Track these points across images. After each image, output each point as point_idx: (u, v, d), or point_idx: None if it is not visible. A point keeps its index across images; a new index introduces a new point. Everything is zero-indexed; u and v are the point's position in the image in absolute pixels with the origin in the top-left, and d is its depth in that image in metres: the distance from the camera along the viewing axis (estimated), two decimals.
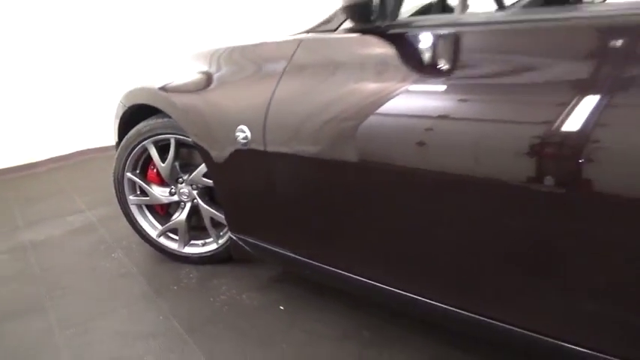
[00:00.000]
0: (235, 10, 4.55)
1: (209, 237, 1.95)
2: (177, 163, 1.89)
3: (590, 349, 0.93)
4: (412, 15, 1.55)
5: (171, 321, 1.64)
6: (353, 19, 1.19)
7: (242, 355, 1.44)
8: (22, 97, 3.71)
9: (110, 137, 2.16)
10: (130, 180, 1.98)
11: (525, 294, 1.00)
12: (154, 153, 1.89)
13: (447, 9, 1.82)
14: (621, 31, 0.87)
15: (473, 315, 1.09)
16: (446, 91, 1.04)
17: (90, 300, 1.81)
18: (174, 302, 1.76)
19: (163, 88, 1.75)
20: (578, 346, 0.94)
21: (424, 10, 1.61)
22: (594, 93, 0.84)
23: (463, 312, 1.10)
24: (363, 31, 1.21)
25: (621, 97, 0.81)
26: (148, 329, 1.60)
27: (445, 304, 1.14)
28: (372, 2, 1.08)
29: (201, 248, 1.99)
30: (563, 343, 0.96)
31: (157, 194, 1.96)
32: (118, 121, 2.06)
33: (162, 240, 2.04)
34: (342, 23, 1.30)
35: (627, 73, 0.82)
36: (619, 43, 0.87)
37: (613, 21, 0.90)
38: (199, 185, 1.87)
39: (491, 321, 1.06)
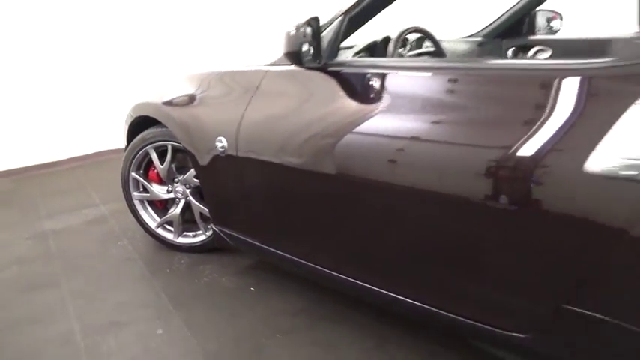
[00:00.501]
0: (242, 19, 4.92)
1: (199, 229, 2.30)
2: (173, 166, 2.25)
3: (476, 320, 1.24)
4: (358, 52, 1.88)
5: (161, 296, 1.99)
6: (291, 62, 1.53)
7: (213, 323, 1.78)
8: (47, 103, 4.14)
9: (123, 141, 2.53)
10: (134, 179, 2.34)
11: (463, 287, 1.26)
12: (154, 157, 2.25)
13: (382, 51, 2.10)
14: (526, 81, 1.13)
15: (411, 300, 1.38)
16: (362, 114, 1.36)
17: (98, 278, 2.17)
18: (165, 282, 2.11)
19: (162, 104, 2.11)
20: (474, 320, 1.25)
21: (368, 48, 1.94)
22: (490, 128, 1.12)
23: (404, 298, 1.38)
24: (309, 67, 1.54)
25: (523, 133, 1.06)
26: (142, 301, 1.96)
27: (386, 290, 1.43)
28: (301, 52, 1.42)
29: (192, 239, 2.34)
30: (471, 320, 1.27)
31: (156, 192, 2.32)
32: (127, 127, 2.43)
33: (160, 231, 2.39)
34: None
35: (520, 115, 1.08)
36: (518, 90, 1.13)
37: (515, 72, 1.18)
38: (191, 185, 2.22)
39: (426, 306, 1.34)
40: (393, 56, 1.88)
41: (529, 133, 1.04)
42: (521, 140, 1.05)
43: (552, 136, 1.01)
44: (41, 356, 1.65)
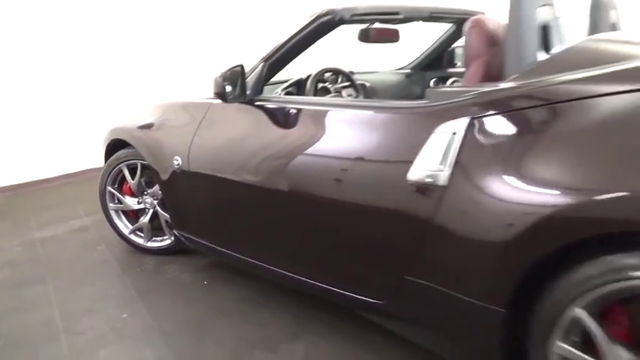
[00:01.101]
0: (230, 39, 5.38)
1: (165, 235, 2.70)
2: (142, 181, 2.66)
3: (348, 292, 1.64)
4: (286, 87, 2.32)
5: (129, 289, 2.38)
6: (219, 99, 1.95)
7: (170, 309, 2.17)
8: (40, 124, 4.56)
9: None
10: (110, 192, 2.75)
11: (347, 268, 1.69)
12: (126, 173, 2.66)
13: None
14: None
15: (297, 276, 1.79)
16: (276, 138, 1.78)
17: (78, 276, 2.56)
18: (134, 278, 2.50)
19: (132, 129, 2.53)
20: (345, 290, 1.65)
21: (296, 83, 2.37)
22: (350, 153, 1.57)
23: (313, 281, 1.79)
24: (240, 101, 1.97)
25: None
26: (113, 293, 2.35)
27: (294, 274, 1.84)
28: (225, 92, 1.84)
29: (159, 243, 2.74)
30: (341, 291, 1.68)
31: (129, 203, 2.73)
32: (104, 148, 2.84)
33: (133, 237, 2.79)
34: None
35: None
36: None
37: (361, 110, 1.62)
38: (157, 196, 2.63)
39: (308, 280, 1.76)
40: (309, 91, 2.31)
41: (369, 156, 1.47)
42: (366, 160, 1.47)
43: (386, 157, 1.44)
44: (28, 336, 2.03)
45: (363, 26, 2.06)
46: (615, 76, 1.12)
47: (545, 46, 1.48)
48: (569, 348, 1.15)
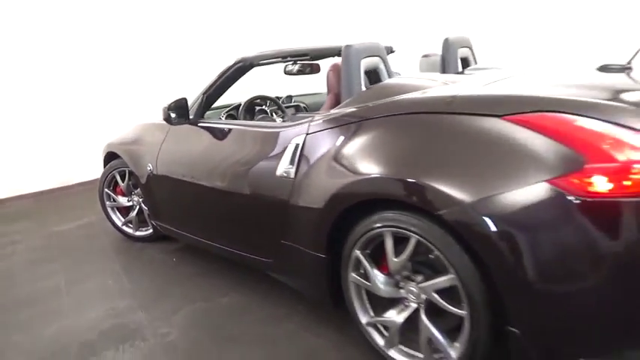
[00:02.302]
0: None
1: (148, 226, 3.46)
2: (130, 184, 3.43)
3: (246, 253, 2.36)
4: (227, 111, 3.05)
5: (117, 266, 3.14)
6: (166, 122, 2.70)
7: (144, 277, 2.92)
8: (62, 139, 5.44)
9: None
10: (106, 193, 3.53)
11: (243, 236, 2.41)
12: (118, 178, 3.44)
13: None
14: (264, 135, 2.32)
15: (226, 247, 2.52)
16: (208, 148, 2.52)
17: (80, 258, 3.34)
18: (123, 259, 3.26)
19: (120, 144, 3.31)
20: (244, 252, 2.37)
21: (234, 108, 3.11)
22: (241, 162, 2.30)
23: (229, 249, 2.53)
24: (189, 122, 2.71)
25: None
26: (104, 269, 3.10)
27: (218, 244, 2.57)
28: (170, 117, 2.59)
29: (144, 232, 3.49)
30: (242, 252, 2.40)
31: (121, 201, 3.50)
32: (103, 159, 3.64)
33: (125, 228, 3.56)
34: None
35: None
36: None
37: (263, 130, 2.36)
38: (141, 195, 3.40)
39: (228, 249, 2.48)
40: (240, 115, 3.04)
41: (257, 160, 2.19)
42: (255, 162, 2.20)
43: (266, 160, 2.15)
44: (36, 297, 2.81)
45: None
46: (387, 105, 1.81)
47: (373, 82, 2.18)
48: (356, 276, 1.83)
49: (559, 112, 1.43)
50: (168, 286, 2.78)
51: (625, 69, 1.80)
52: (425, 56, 2.73)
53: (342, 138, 1.87)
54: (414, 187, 1.55)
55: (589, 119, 1.38)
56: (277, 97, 3.49)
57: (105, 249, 3.47)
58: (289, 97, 3.59)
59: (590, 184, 1.30)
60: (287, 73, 2.86)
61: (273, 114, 3.21)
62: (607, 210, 1.30)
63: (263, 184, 2.17)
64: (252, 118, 3.05)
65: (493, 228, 1.38)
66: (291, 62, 2.84)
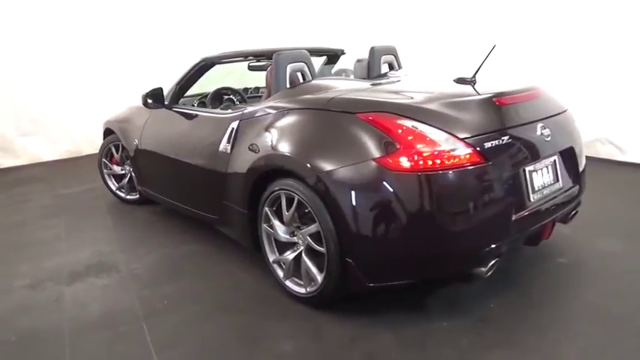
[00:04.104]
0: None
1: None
2: (124, 155, 4.13)
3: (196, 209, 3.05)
4: (200, 99, 3.71)
5: (109, 223, 3.85)
6: (144, 106, 3.38)
7: (131, 230, 3.63)
8: (72, 115, 6.19)
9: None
10: (104, 162, 4.25)
11: (194, 197, 3.10)
12: (113, 150, 4.15)
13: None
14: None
15: (188, 207, 3.21)
16: (178, 128, 3.20)
17: (81, 214, 4.07)
18: (115, 217, 3.97)
19: (115, 121, 4.01)
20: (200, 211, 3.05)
21: (206, 96, 3.76)
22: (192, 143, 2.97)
23: (186, 207, 3.22)
24: (166, 107, 3.38)
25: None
26: (99, 225, 3.81)
27: (183, 205, 3.27)
28: (147, 102, 3.27)
29: (134, 196, 4.20)
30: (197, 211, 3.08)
31: (115, 169, 4.22)
32: (103, 133, 4.34)
33: (118, 192, 4.27)
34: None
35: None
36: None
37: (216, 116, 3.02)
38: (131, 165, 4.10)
39: (189, 208, 3.17)
40: (207, 103, 3.68)
41: (207, 138, 2.86)
42: (206, 140, 2.86)
43: (213, 139, 2.81)
44: (42, 241, 3.54)
45: None
46: (291, 101, 2.45)
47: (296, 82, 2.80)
48: (267, 227, 2.50)
49: (388, 112, 2.06)
50: (145, 237, 3.48)
51: (470, 81, 2.40)
52: (358, 61, 3.32)
53: (259, 124, 2.52)
54: (294, 161, 2.20)
55: (405, 118, 2.02)
56: (247, 88, 4.14)
57: (101, 208, 4.19)
58: (257, 89, 4.23)
59: (399, 162, 1.94)
60: (250, 69, 3.51)
61: (237, 102, 3.86)
62: (409, 180, 1.94)
63: (210, 158, 2.83)
64: (219, 105, 3.69)
65: (336, 191, 2.03)
66: (254, 60, 3.48)
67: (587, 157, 4.64)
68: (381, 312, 2.28)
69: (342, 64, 4.05)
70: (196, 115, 3.13)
